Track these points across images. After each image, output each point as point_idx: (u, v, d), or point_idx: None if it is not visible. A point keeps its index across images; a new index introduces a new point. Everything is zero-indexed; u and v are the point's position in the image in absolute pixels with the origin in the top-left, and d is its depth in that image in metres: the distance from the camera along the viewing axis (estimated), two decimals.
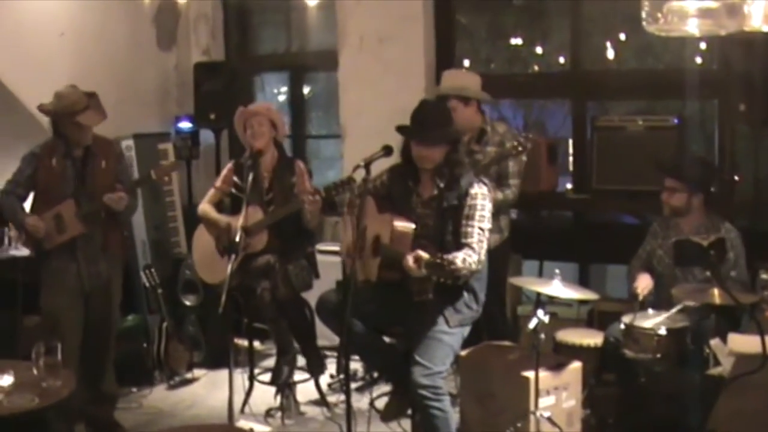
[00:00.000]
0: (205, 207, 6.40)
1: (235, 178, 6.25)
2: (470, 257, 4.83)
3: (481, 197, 5.00)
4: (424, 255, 4.70)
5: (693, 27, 2.27)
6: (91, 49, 7.60)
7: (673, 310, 5.20)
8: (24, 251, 6.30)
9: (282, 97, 9.36)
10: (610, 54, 7.73)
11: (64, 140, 5.72)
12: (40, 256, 5.81)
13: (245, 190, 5.80)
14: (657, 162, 5.84)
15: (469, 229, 4.94)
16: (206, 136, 8.32)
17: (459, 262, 4.75)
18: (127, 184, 5.89)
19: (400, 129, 5.14)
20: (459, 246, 4.91)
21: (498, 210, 6.06)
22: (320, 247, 6.80)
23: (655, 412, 5.06)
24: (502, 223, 6.19)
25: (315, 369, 6.38)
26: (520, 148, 5.61)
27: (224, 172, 6.47)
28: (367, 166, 5.03)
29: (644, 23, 2.24)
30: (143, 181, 6.27)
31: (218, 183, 6.45)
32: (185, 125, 8.16)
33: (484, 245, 4.96)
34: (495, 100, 6.39)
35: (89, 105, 5.69)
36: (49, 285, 5.80)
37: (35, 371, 4.42)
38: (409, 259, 4.73)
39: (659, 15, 2.21)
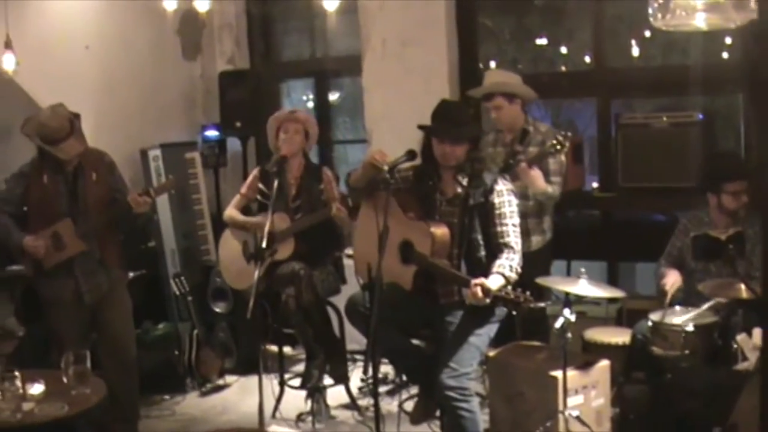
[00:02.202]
0: (231, 212, 6.45)
1: (261, 185, 6.27)
2: (513, 261, 4.88)
3: (508, 193, 5.03)
4: (491, 286, 4.68)
5: (700, 21, 2.28)
6: (117, 61, 7.66)
7: (704, 307, 5.18)
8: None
9: (309, 104, 9.39)
10: (635, 51, 7.71)
11: (52, 158, 5.60)
12: (38, 275, 5.75)
13: (271, 197, 5.83)
14: (714, 168, 5.76)
15: (505, 228, 4.97)
16: (233, 143, 8.36)
17: (507, 272, 4.81)
18: (124, 193, 5.81)
19: (425, 128, 5.16)
20: (492, 245, 4.94)
21: (542, 210, 6.07)
22: (348, 251, 6.81)
23: (683, 408, 5.03)
24: (545, 224, 6.19)
25: (339, 376, 6.38)
26: (558, 147, 5.58)
27: (249, 178, 6.51)
28: (391, 170, 5.03)
29: (651, 19, 2.25)
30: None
31: (243, 189, 6.49)
32: (212, 133, 8.19)
33: (520, 241, 5.00)
34: (537, 96, 6.35)
35: (71, 132, 5.55)
36: (48, 303, 5.77)
37: (65, 380, 4.47)
38: (477, 291, 4.68)
39: (666, 10, 2.23)
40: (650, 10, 2.30)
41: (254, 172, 6.47)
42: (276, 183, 5.90)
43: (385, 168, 5.00)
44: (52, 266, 5.66)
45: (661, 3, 2.24)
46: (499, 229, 4.97)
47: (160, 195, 6.09)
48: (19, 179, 5.71)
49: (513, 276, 4.82)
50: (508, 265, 4.85)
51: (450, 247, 4.96)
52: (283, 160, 6.15)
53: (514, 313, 4.87)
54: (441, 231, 5.02)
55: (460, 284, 4.87)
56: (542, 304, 4.86)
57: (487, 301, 4.70)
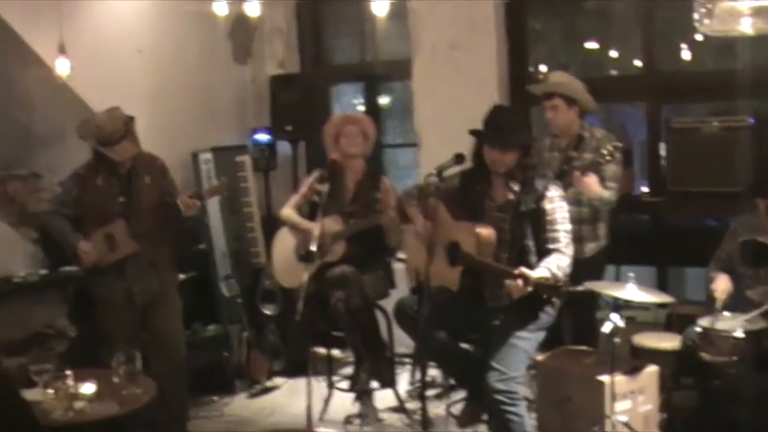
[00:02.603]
0: (287, 210, 6.51)
1: (324, 187, 6.25)
2: (562, 261, 4.87)
3: (559, 199, 5.02)
4: (531, 274, 4.69)
5: (747, 26, 2.27)
6: (169, 65, 7.75)
7: (753, 313, 5.14)
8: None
9: (360, 108, 9.43)
10: (686, 55, 7.66)
11: (107, 160, 5.70)
12: (90, 274, 5.83)
13: (321, 201, 5.87)
14: (764, 173, 5.73)
15: (556, 234, 4.97)
16: (283, 147, 8.41)
17: (555, 269, 4.79)
18: (174, 197, 5.88)
19: (474, 132, 5.17)
20: (543, 251, 4.94)
21: (596, 216, 6.04)
22: (400, 255, 6.83)
23: (731, 415, 5.00)
24: (600, 230, 6.16)
25: (385, 380, 6.40)
26: (608, 157, 5.55)
27: (309, 179, 6.54)
28: (439, 174, 5.05)
29: (696, 24, 2.25)
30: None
31: (303, 190, 6.54)
32: (262, 137, 8.24)
33: (571, 247, 4.99)
34: (597, 108, 6.33)
35: (125, 134, 5.66)
36: (100, 303, 5.83)
37: (116, 379, 4.52)
38: (518, 281, 4.68)
39: (710, 15, 2.23)
40: (696, 15, 2.30)
41: (315, 174, 6.47)
42: (326, 186, 5.92)
43: (433, 173, 5.03)
44: (104, 267, 5.73)
45: (708, 8, 2.24)
46: (549, 235, 4.97)
47: (211, 198, 6.16)
48: (75, 181, 5.80)
49: (559, 274, 4.80)
50: (555, 263, 4.85)
51: (496, 249, 4.96)
52: (333, 164, 6.18)
53: (554, 300, 4.88)
54: (487, 231, 5.04)
55: (504, 277, 4.84)
56: (581, 288, 4.81)
57: (529, 289, 4.69)
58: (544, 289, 4.67)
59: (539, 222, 4.99)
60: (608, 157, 5.54)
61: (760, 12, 2.21)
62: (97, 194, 5.73)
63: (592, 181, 5.76)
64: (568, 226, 5.02)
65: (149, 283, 5.82)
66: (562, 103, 6.06)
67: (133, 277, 5.77)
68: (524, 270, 4.71)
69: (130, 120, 5.83)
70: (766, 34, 2.21)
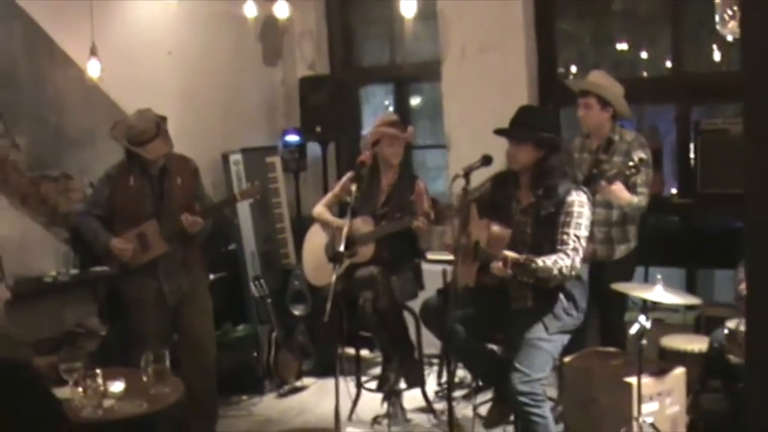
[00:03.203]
0: (320, 209, 6.56)
1: (354, 187, 6.25)
2: (562, 261, 4.83)
3: (578, 204, 4.99)
4: (511, 254, 4.76)
5: None
6: (198, 67, 7.83)
7: None
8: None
9: (389, 108, 9.45)
10: (717, 56, 7.63)
11: (139, 160, 5.75)
12: (123, 274, 5.87)
13: (351, 201, 5.89)
14: None
15: (564, 237, 4.94)
16: (313, 148, 8.45)
17: (549, 263, 4.78)
18: (204, 200, 5.98)
19: (497, 131, 5.21)
20: (554, 253, 4.92)
21: (626, 219, 6.02)
22: (429, 256, 6.85)
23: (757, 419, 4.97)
24: (630, 233, 6.13)
25: (413, 381, 6.40)
26: (634, 170, 5.54)
27: (343, 180, 6.57)
28: (467, 175, 5.07)
29: (717, 26, 2.26)
30: (227, 202, 6.40)
31: (336, 189, 6.57)
32: (292, 138, 8.29)
33: (580, 252, 4.93)
34: (632, 114, 6.32)
35: (158, 133, 5.71)
36: (132, 302, 5.87)
37: (144, 378, 4.57)
38: (497, 262, 4.78)
39: (732, 17, 2.24)
40: (717, 18, 2.31)
41: (348, 174, 6.49)
42: (354, 187, 5.94)
43: (460, 173, 5.06)
44: (137, 266, 5.78)
45: (731, 11, 2.25)
46: (559, 236, 4.96)
47: (244, 200, 6.21)
48: (107, 182, 5.85)
49: (554, 271, 4.80)
50: (553, 259, 4.83)
51: (517, 251, 4.94)
52: (361, 165, 6.20)
53: (528, 281, 4.89)
54: (499, 229, 5.10)
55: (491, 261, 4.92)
56: (540, 261, 4.81)
57: (509, 271, 4.75)
58: (517, 268, 4.72)
59: (556, 226, 4.99)
60: (633, 170, 5.51)
61: None
62: (129, 194, 5.78)
63: (619, 188, 5.72)
64: (582, 232, 4.97)
65: (180, 283, 5.88)
66: (595, 102, 6.02)
67: (165, 276, 5.82)
68: (506, 252, 4.79)
69: (161, 120, 5.89)
70: None
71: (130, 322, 5.91)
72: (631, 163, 5.52)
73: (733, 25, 2.25)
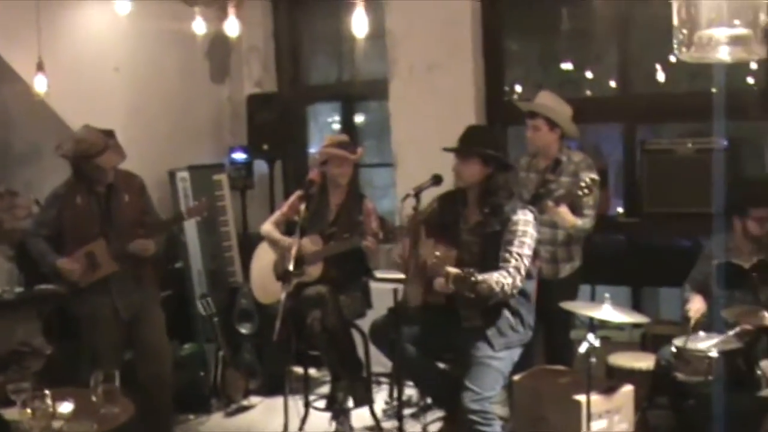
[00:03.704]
0: (268, 227, 6.51)
1: (302, 205, 6.21)
2: (504, 279, 4.88)
3: (523, 223, 5.03)
4: (452, 270, 4.78)
5: (724, 54, 2.32)
6: (146, 83, 7.77)
7: (728, 334, 5.19)
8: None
9: (336, 126, 9.46)
10: (661, 77, 7.73)
11: (86, 178, 5.74)
12: (74, 293, 5.84)
13: (299, 221, 5.88)
14: (741, 193, 5.79)
15: (506, 255, 4.99)
16: (260, 166, 8.42)
17: (492, 281, 4.82)
18: (153, 216, 5.96)
19: (447, 149, 5.25)
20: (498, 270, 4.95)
21: (571, 239, 6.06)
22: (378, 275, 6.85)
23: None
24: (575, 252, 6.17)
25: (361, 400, 6.40)
26: (586, 191, 5.59)
27: (291, 198, 6.54)
28: (417, 194, 5.11)
29: (676, 51, 2.30)
30: (175, 220, 6.39)
31: (285, 208, 6.54)
32: (239, 156, 8.25)
33: (522, 271, 4.98)
34: (579, 136, 6.39)
35: (107, 145, 5.70)
36: (85, 319, 5.84)
37: (94, 398, 4.50)
38: (440, 278, 4.83)
39: (690, 42, 2.27)
40: (675, 42, 2.34)
41: (297, 192, 6.46)
42: (303, 206, 5.94)
43: (411, 193, 5.08)
44: (87, 285, 5.74)
45: (686, 35, 2.29)
46: (502, 254, 5.01)
47: (192, 218, 6.18)
48: (53, 201, 5.81)
49: (496, 288, 4.84)
50: (496, 276, 4.87)
51: (458, 267, 4.93)
52: (310, 183, 6.20)
53: (472, 295, 4.88)
54: (444, 248, 5.16)
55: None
56: (481, 277, 4.84)
57: (451, 286, 4.78)
58: (458, 282, 4.74)
59: (500, 244, 5.03)
60: (586, 191, 5.56)
61: (737, 40, 2.26)
62: (77, 213, 5.74)
63: (564, 211, 5.76)
64: (525, 251, 5.02)
65: (133, 299, 5.85)
66: (543, 124, 6.07)
67: (118, 293, 5.80)
68: (448, 268, 4.83)
69: (110, 133, 5.85)
70: (744, 61, 2.27)
71: (83, 339, 5.86)
72: (582, 184, 5.57)
73: (689, 50, 2.28)
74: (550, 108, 6.15)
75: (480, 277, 4.75)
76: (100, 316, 5.76)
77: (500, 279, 4.85)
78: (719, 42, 2.27)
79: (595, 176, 5.70)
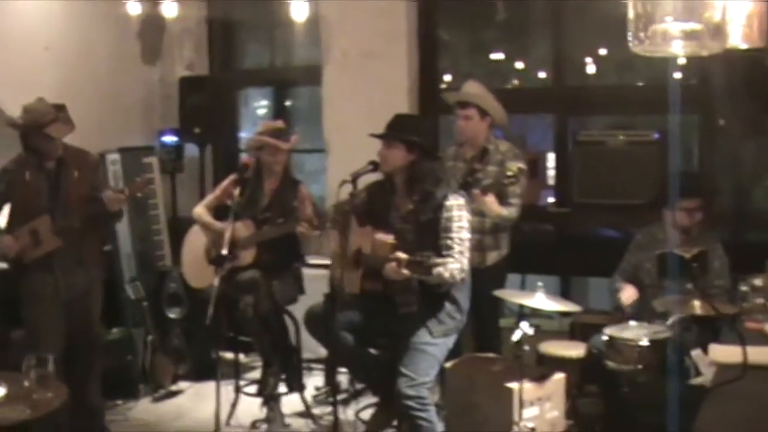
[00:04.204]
0: (200, 210, 6.46)
1: (236, 190, 6.16)
2: (452, 265, 4.91)
3: (457, 208, 5.06)
4: (404, 256, 4.79)
5: (677, 48, 2.36)
6: (76, 63, 7.64)
7: (659, 323, 5.27)
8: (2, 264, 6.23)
9: (262, 111, 9.43)
10: (591, 69, 7.82)
11: (36, 154, 5.71)
12: (17, 269, 5.80)
13: (239, 204, 5.86)
14: (673, 186, 5.87)
15: (448, 242, 5.01)
16: (191, 149, 8.33)
17: (446, 273, 4.84)
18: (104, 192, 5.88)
19: (374, 135, 5.26)
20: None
21: (498, 227, 6.12)
22: (309, 260, 6.83)
23: (638, 421, 5.13)
24: (501, 240, 6.23)
25: (293, 385, 6.41)
26: (513, 179, 5.65)
27: (225, 182, 6.49)
28: (354, 180, 5.12)
29: (630, 45, 2.33)
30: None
31: (218, 191, 6.49)
32: (170, 139, 8.15)
33: (466, 255, 5.03)
34: (507, 123, 6.43)
35: (57, 117, 5.67)
36: (28, 297, 5.78)
37: (26, 383, 4.43)
38: (391, 263, 4.82)
39: (645, 37, 2.31)
40: (629, 36, 2.38)
41: (231, 176, 6.43)
42: (237, 191, 5.92)
43: (348, 179, 5.09)
44: (31, 261, 5.69)
45: (640, 29, 2.32)
46: (443, 242, 5.02)
47: (133, 194, 6.12)
48: (2, 176, 5.76)
49: (446, 274, 4.88)
50: (442, 261, 4.90)
51: (392, 253, 4.97)
52: (245, 167, 6.18)
53: (427, 278, 4.91)
54: (382, 236, 5.16)
55: (383, 264, 4.96)
56: (438, 260, 4.88)
57: (404, 271, 4.80)
58: (412, 266, 4.76)
59: (437, 231, 5.05)
60: (513, 179, 5.62)
61: (689, 35, 2.31)
62: (25, 190, 5.71)
63: (490, 200, 5.82)
64: (465, 235, 5.06)
65: (77, 279, 5.81)
66: (475, 113, 6.11)
67: (61, 272, 5.74)
68: (398, 253, 4.83)
69: (59, 106, 5.80)
70: (697, 56, 2.32)
71: (26, 319, 5.80)
72: (509, 173, 5.63)
73: (644, 44, 2.32)
74: (481, 96, 6.19)
75: (434, 258, 4.77)
76: (43, 295, 5.71)
77: (449, 265, 4.88)
78: (673, 37, 2.32)
79: (522, 165, 5.78)
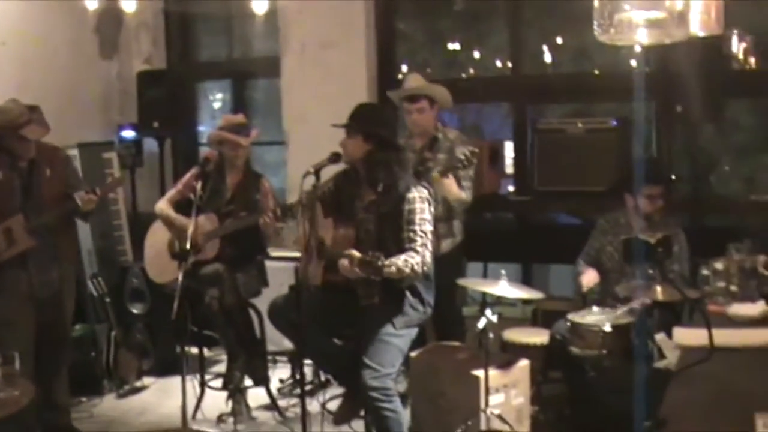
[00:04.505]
0: (163, 204, 6.42)
1: (198, 184, 6.09)
2: (413, 259, 4.89)
3: (420, 200, 5.05)
4: (356, 254, 4.78)
5: (642, 37, 2.39)
6: (33, 58, 7.60)
7: (622, 308, 5.33)
8: None
9: (219, 104, 9.41)
10: (548, 57, 7.87)
11: (8, 153, 5.68)
12: None
13: (201, 198, 5.85)
14: (634, 173, 5.93)
15: (411, 234, 5.00)
16: (150, 144, 8.33)
17: (400, 263, 4.82)
18: (78, 189, 5.81)
19: (335, 125, 5.25)
20: (401, 251, 4.96)
21: (451, 214, 6.16)
22: (272, 252, 6.83)
23: (604, 405, 5.17)
24: (455, 228, 6.28)
25: (258, 378, 6.41)
26: (466, 162, 5.69)
27: (187, 175, 6.46)
28: (317, 172, 5.10)
29: (596, 33, 2.36)
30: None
31: (180, 185, 6.47)
32: (128, 134, 8.14)
33: (429, 247, 5.02)
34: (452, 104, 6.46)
35: (32, 119, 5.65)
36: (2, 295, 5.75)
37: None
38: (344, 260, 4.82)
39: (610, 25, 2.34)
40: (594, 24, 2.41)
41: (193, 170, 6.40)
42: (199, 184, 5.91)
43: (311, 170, 5.09)
44: (4, 260, 5.65)
45: (606, 18, 2.35)
46: (405, 234, 5.02)
47: (106, 194, 6.11)
48: None
49: (405, 270, 4.85)
50: (403, 258, 4.88)
51: (362, 248, 4.93)
52: (206, 161, 6.17)
53: (376, 278, 4.89)
54: (343, 229, 5.20)
55: (338, 260, 4.95)
56: (388, 261, 4.88)
57: (356, 270, 4.78)
58: (363, 266, 4.75)
59: (399, 223, 5.05)
60: (466, 163, 5.66)
61: (654, 23, 2.34)
62: None
63: (451, 183, 5.88)
64: (428, 227, 5.05)
65: (51, 276, 5.79)
66: (426, 104, 6.17)
67: (36, 269, 5.72)
68: (352, 251, 4.82)
69: (33, 107, 5.76)
70: (660, 44, 2.35)
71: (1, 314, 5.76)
72: (462, 156, 5.67)
73: (609, 33, 2.35)
74: (427, 87, 6.26)
75: (387, 261, 4.78)
76: (17, 293, 5.69)
77: (408, 260, 4.87)
78: (637, 25, 2.35)
79: (474, 149, 5.80)
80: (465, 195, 6.02)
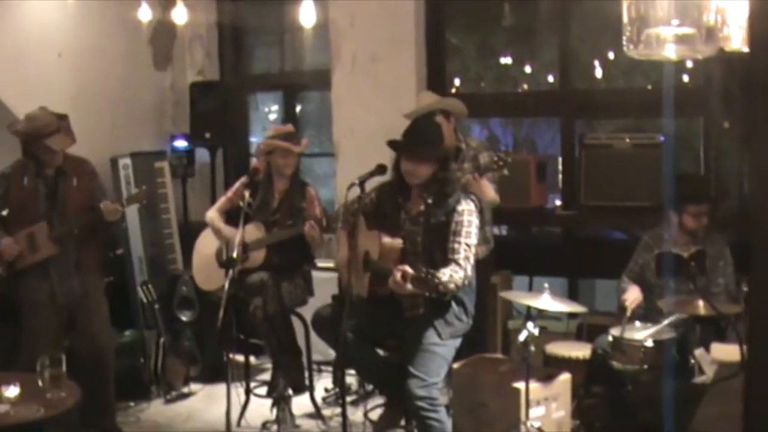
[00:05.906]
0: (212, 214, 6.52)
1: (246, 193, 6.18)
2: (456, 273, 4.90)
3: (468, 213, 5.06)
4: (410, 270, 4.78)
5: (670, 52, 2.42)
6: (89, 69, 7.72)
7: (663, 323, 5.32)
8: None
9: (272, 116, 9.50)
10: (599, 72, 7.87)
11: (35, 160, 5.77)
12: (12, 275, 5.85)
13: (250, 206, 5.92)
14: (679, 189, 5.91)
15: (456, 245, 5.00)
16: (201, 154, 8.42)
17: (445, 278, 4.82)
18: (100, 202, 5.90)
19: (391, 144, 5.24)
20: (446, 262, 4.98)
21: (483, 220, 6.17)
22: (318, 263, 6.88)
23: (641, 419, 5.17)
24: (488, 233, 6.30)
25: (297, 387, 6.42)
26: (501, 163, 5.67)
27: (236, 185, 6.55)
28: (362, 184, 5.14)
29: (625, 48, 2.39)
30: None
31: (230, 193, 6.56)
32: (181, 144, 8.25)
33: (471, 261, 5.02)
34: (468, 112, 6.48)
35: (59, 128, 5.73)
36: (24, 302, 5.85)
37: (40, 383, 4.51)
38: (396, 275, 4.78)
39: (639, 41, 2.37)
40: (623, 40, 2.44)
41: (242, 179, 6.48)
42: (247, 193, 5.99)
43: (356, 182, 5.13)
44: (25, 267, 5.76)
45: (634, 33, 2.38)
46: (451, 245, 5.02)
47: (131, 205, 6.19)
48: (1, 181, 5.82)
49: (450, 285, 4.84)
50: (448, 273, 4.86)
51: (409, 260, 4.99)
52: (254, 171, 6.25)
53: (433, 295, 4.93)
54: (389, 240, 5.17)
55: (388, 276, 4.91)
56: (442, 278, 4.87)
57: (408, 286, 4.77)
58: (417, 282, 4.75)
59: (446, 234, 5.06)
60: (501, 163, 5.66)
61: (682, 39, 2.36)
62: (23, 195, 5.77)
63: (487, 184, 5.88)
64: (472, 240, 5.05)
65: (73, 285, 5.86)
66: (443, 119, 6.15)
67: (57, 278, 5.80)
68: (405, 267, 4.80)
69: (63, 117, 5.85)
70: (687, 59, 2.37)
71: (23, 323, 5.85)
72: (495, 158, 5.66)
73: (638, 48, 2.38)
74: (440, 101, 6.34)
75: (440, 274, 4.79)
76: (39, 301, 5.78)
77: (453, 274, 4.87)
78: (666, 40, 2.37)
79: (509, 150, 5.80)
80: (497, 197, 6.04)
